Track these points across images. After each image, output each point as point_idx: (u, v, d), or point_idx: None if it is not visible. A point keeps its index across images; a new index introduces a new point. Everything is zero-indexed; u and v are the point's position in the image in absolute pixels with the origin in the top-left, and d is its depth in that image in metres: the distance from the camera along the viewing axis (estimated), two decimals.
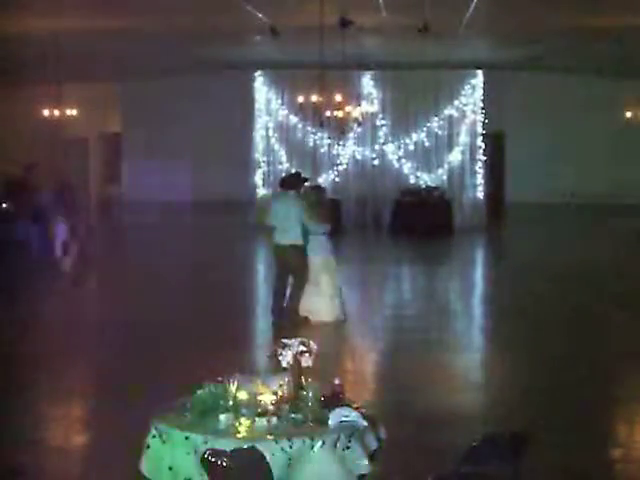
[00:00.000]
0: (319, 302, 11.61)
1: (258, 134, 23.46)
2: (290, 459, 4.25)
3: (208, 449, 4.25)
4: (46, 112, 22.60)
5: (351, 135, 23.17)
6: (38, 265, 15.58)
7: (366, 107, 22.43)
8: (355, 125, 22.11)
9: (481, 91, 23.23)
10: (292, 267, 11.64)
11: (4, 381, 8.94)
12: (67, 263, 15.87)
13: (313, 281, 11.63)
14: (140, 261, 17.68)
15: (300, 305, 11.56)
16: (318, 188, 12.62)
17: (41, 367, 9.46)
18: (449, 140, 23.30)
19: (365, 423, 4.51)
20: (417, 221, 21.98)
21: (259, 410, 4.50)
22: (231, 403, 4.55)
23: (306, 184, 12.12)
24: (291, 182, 11.90)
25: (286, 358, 4.66)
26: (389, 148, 23.41)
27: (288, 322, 11.40)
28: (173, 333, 11.02)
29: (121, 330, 11.48)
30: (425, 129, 23.23)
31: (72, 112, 23.35)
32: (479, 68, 23.25)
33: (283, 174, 23.42)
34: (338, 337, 11.18)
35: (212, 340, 10.54)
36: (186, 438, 4.36)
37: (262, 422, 4.43)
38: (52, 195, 16.55)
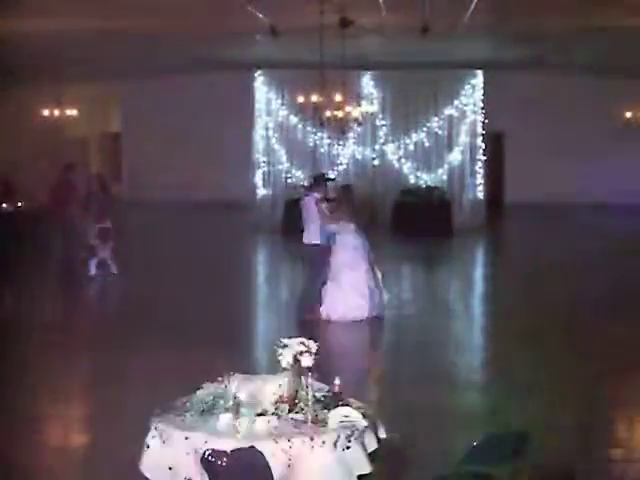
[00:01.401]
0: (338, 300, 11.62)
1: (258, 134, 23.44)
2: (290, 459, 4.25)
3: (208, 449, 4.25)
4: (46, 112, 22.62)
5: (351, 135, 23.16)
6: (60, 267, 15.24)
7: (366, 107, 22.41)
8: (355, 125, 22.07)
9: (481, 91, 23.21)
10: (308, 265, 11.90)
11: (4, 381, 8.95)
12: (92, 266, 15.19)
13: (334, 279, 11.66)
14: (142, 262, 17.63)
15: (323, 303, 11.66)
16: (345, 187, 12.49)
17: (42, 367, 9.46)
18: (449, 140, 23.26)
19: (365, 423, 4.51)
20: (417, 221, 21.95)
21: (259, 410, 4.50)
22: (231, 403, 4.55)
23: (329, 183, 12.27)
24: (313, 183, 12.21)
25: (286, 358, 4.65)
26: (389, 148, 23.39)
27: (301, 319, 11.49)
28: (173, 333, 11.01)
29: (123, 329, 11.49)
30: (425, 129, 23.21)
31: (72, 112, 23.37)
32: (479, 68, 23.24)
33: (283, 174, 23.62)
34: (348, 335, 11.17)
35: (213, 340, 10.53)
36: (186, 438, 4.36)
37: (262, 422, 4.43)
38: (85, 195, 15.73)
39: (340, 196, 12.01)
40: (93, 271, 15.17)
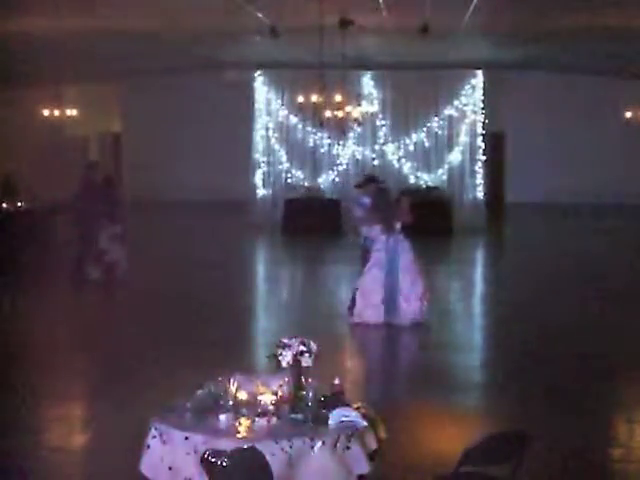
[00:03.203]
0: (359, 303, 11.55)
1: (258, 134, 23.45)
2: (290, 459, 4.25)
3: (208, 449, 4.25)
4: (46, 112, 22.57)
5: (351, 135, 23.17)
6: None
7: (366, 107, 22.41)
8: (355, 125, 22.08)
9: (481, 91, 23.21)
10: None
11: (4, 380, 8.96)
12: (95, 272, 14.80)
13: (359, 281, 11.63)
14: (141, 263, 17.62)
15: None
16: (379, 190, 12.23)
17: (42, 368, 9.47)
18: (449, 140, 23.27)
19: (365, 423, 4.51)
20: (417, 221, 21.92)
21: (259, 410, 4.50)
22: (231, 403, 4.55)
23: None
24: (363, 184, 12.34)
25: (286, 358, 4.66)
26: (389, 148, 23.39)
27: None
28: (174, 333, 11.01)
29: (123, 329, 11.49)
30: (425, 129, 23.22)
31: (72, 112, 23.33)
32: (479, 68, 23.24)
33: (283, 174, 23.66)
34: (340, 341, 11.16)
35: (213, 340, 10.53)
36: (186, 438, 4.36)
37: (262, 422, 4.43)
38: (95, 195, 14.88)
39: (374, 199, 11.87)
40: (96, 274, 14.86)
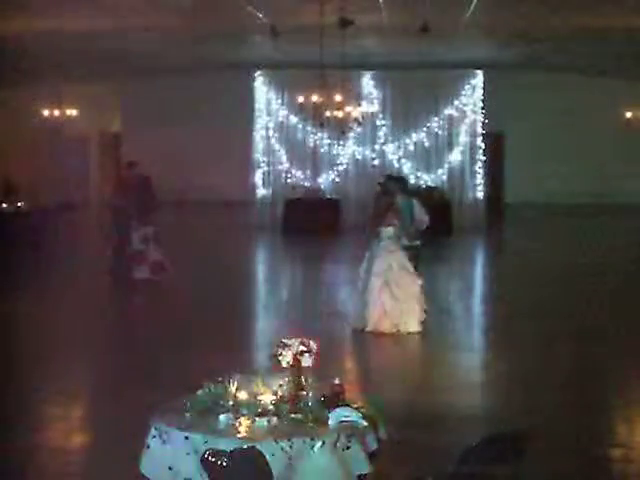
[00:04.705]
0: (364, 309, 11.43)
1: (258, 134, 23.46)
2: (290, 459, 4.25)
3: (208, 449, 4.25)
4: (46, 112, 22.60)
5: (351, 135, 23.18)
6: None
7: (366, 107, 22.43)
8: (355, 125, 22.09)
9: (481, 91, 23.22)
10: None
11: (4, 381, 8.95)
12: (142, 272, 14.64)
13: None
14: None
15: None
16: (379, 192, 11.99)
17: (43, 368, 9.47)
18: (449, 140, 23.29)
19: (365, 423, 4.51)
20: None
21: (259, 410, 4.50)
22: (231, 403, 4.55)
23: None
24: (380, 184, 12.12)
25: (286, 358, 4.65)
26: (389, 148, 23.40)
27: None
28: (174, 332, 11.01)
29: (122, 329, 11.49)
30: (425, 129, 23.23)
31: (72, 112, 23.35)
32: (479, 68, 23.25)
33: (283, 174, 23.67)
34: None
35: (213, 339, 10.53)
36: (186, 438, 4.36)
37: (262, 422, 4.43)
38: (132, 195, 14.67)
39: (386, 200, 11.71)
40: (142, 274, 14.68)
